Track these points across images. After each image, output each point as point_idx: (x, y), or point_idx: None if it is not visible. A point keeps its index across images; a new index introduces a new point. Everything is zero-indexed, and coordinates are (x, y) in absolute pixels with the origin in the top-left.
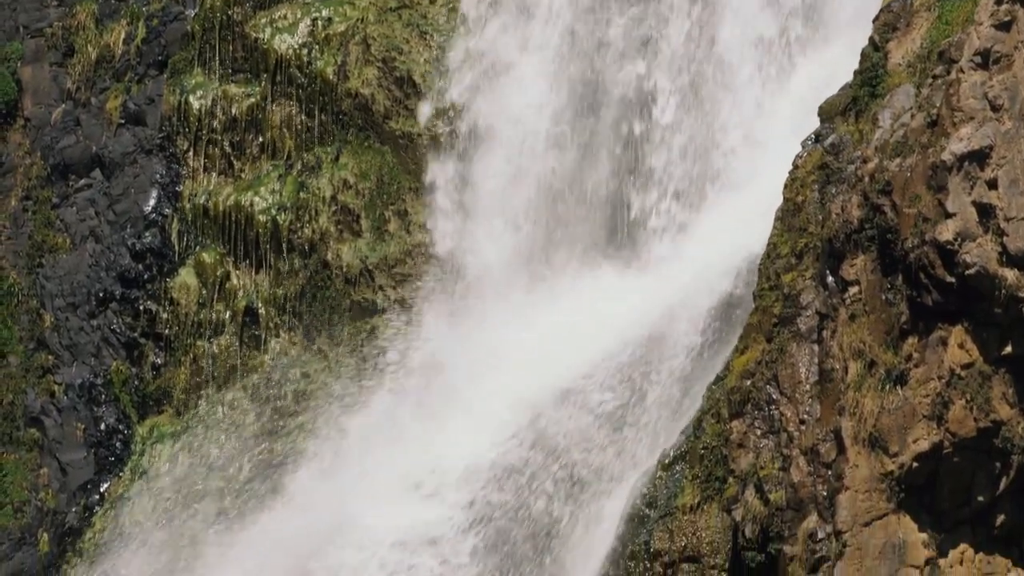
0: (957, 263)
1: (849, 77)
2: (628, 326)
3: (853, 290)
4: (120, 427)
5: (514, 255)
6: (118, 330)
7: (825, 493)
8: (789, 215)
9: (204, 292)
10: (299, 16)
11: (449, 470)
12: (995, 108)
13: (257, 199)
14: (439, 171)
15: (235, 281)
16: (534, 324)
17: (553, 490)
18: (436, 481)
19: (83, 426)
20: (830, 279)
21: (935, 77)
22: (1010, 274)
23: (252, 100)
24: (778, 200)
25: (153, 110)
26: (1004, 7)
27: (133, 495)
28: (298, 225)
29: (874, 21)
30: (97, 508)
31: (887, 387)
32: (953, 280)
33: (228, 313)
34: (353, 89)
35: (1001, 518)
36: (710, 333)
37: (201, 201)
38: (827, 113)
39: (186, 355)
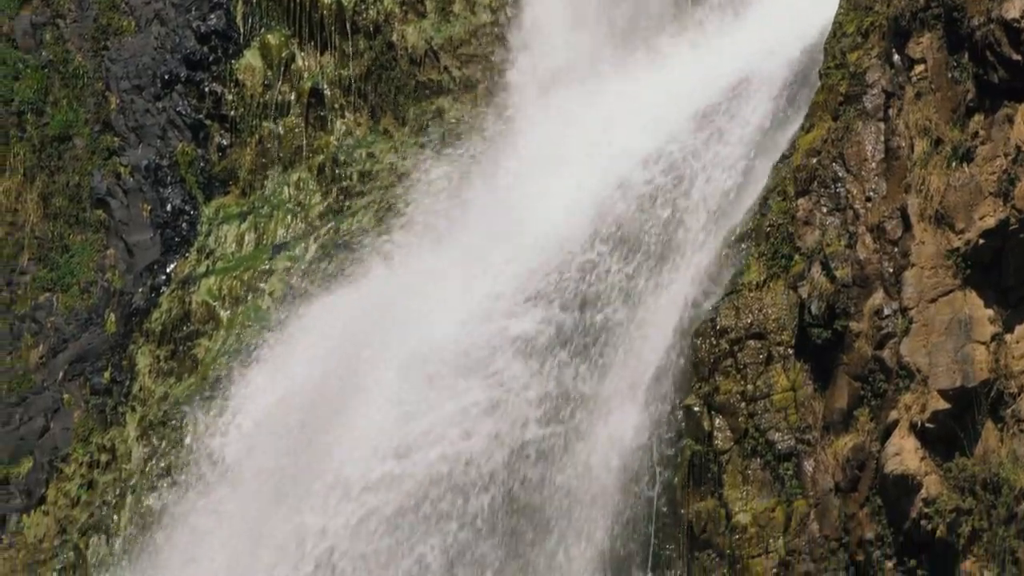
0: (1023, 41)
1: None
2: (693, 103)
3: (919, 68)
4: (186, 208)
5: (577, 31)
6: (183, 112)
7: (891, 270)
8: None
9: (269, 74)
10: None
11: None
12: None
13: None
14: None
15: (300, 63)
16: (599, 102)
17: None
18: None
19: (149, 207)
20: (896, 57)
21: None
22: None
23: None
24: None
25: None
26: None
27: (199, 275)
28: (363, 7)
29: None
30: (163, 288)
31: (953, 164)
32: (1019, 58)
33: (293, 94)
34: None
35: None
36: (775, 110)
37: None
38: None
39: (252, 136)
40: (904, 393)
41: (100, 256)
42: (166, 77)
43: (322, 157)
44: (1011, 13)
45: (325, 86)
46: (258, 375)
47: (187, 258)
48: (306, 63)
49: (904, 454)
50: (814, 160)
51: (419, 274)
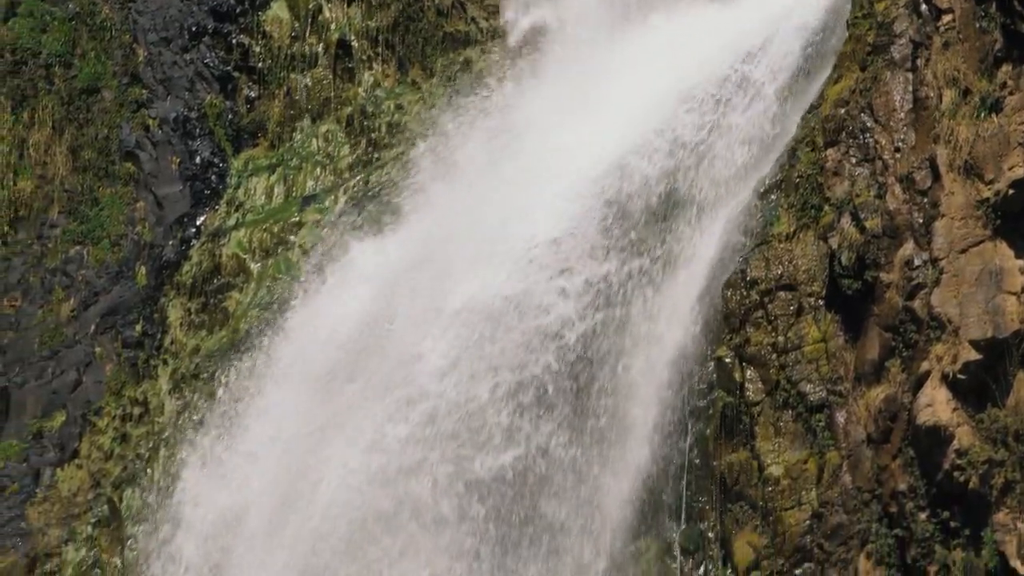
0: None
1: None
2: (723, 58)
3: (947, 18)
4: (215, 160)
5: None
6: (211, 64)
7: (921, 220)
8: None
9: (296, 25)
10: None
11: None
12: None
13: None
14: None
15: (327, 14)
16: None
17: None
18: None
19: (178, 159)
20: (923, 7)
21: None
22: None
23: None
24: None
25: None
26: None
27: (229, 228)
28: None
29: None
30: (194, 241)
31: (982, 115)
32: None
33: (321, 46)
34: None
35: None
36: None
37: None
38: None
39: (279, 88)
40: (935, 344)
41: (130, 209)
42: (193, 29)
43: (350, 109)
44: None
45: (352, 37)
46: (293, 324)
47: (217, 211)
48: (333, 14)
49: (936, 405)
50: (842, 110)
51: (453, 221)
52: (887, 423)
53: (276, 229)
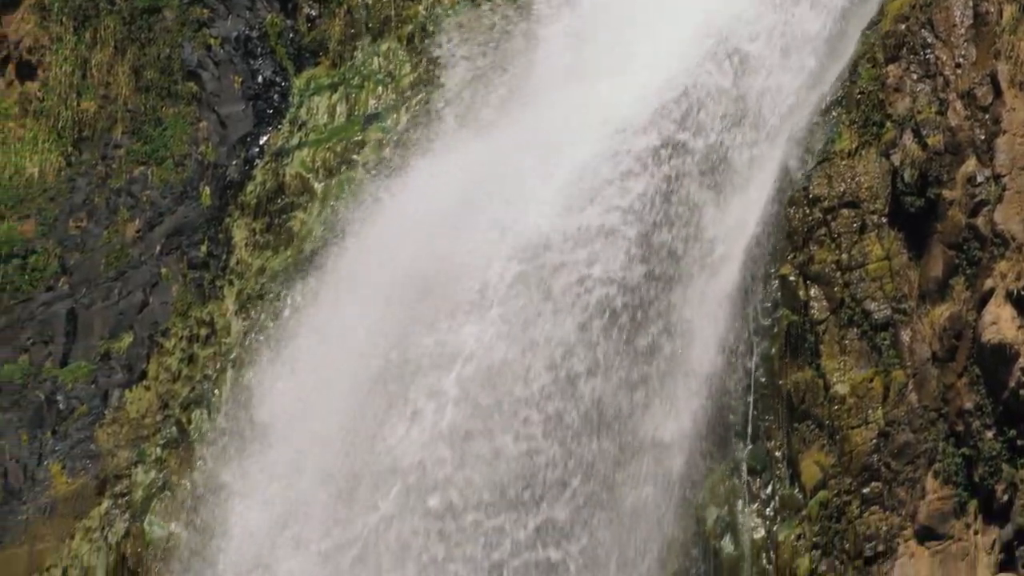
0: None
1: None
2: None
3: None
4: (277, 79)
5: None
6: None
7: (983, 137)
8: None
9: None
10: None
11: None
12: None
13: None
14: None
15: None
16: None
17: None
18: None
19: (240, 79)
20: None
21: None
22: None
23: None
24: None
25: None
26: None
27: (292, 147)
28: None
29: None
30: (257, 161)
31: None
32: None
33: None
34: None
35: None
36: None
37: None
38: None
39: (340, 6)
40: (999, 261)
41: (193, 129)
42: None
43: (411, 27)
44: None
45: None
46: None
47: (279, 130)
48: None
49: (1001, 323)
50: (903, 26)
51: (515, 141)
52: (952, 341)
53: (339, 148)
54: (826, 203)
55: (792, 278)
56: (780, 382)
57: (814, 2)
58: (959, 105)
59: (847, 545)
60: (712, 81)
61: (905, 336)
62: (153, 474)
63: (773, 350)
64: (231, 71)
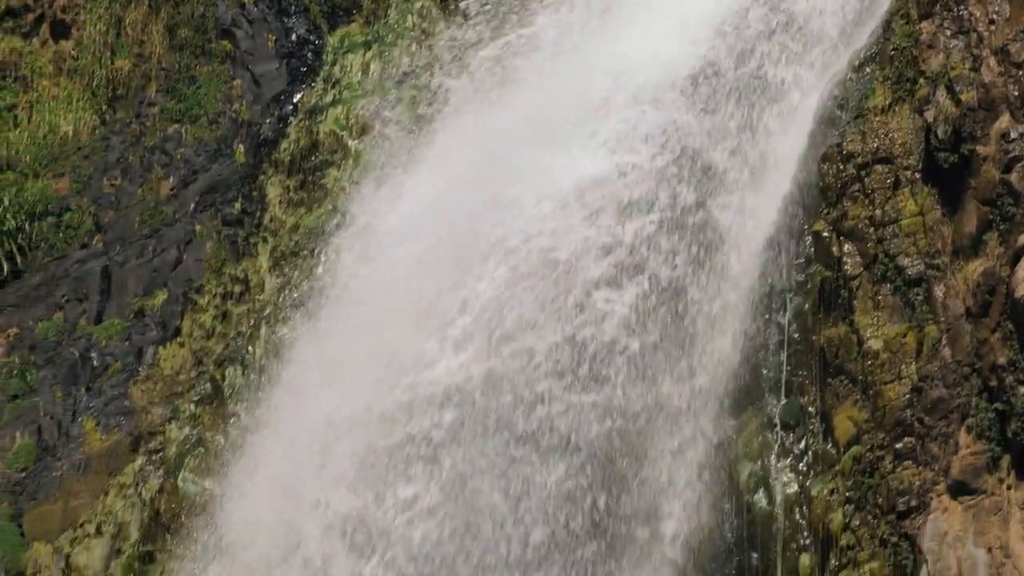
0: None
1: None
2: None
3: None
4: (311, 37)
5: None
6: None
7: (1016, 93)
8: None
9: None
10: None
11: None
12: None
13: None
14: None
15: None
16: None
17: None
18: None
19: (274, 37)
20: None
21: None
22: None
23: None
24: None
25: None
26: None
27: (326, 105)
28: None
29: None
30: (291, 118)
31: None
32: None
33: None
34: None
35: None
36: None
37: None
38: None
39: None
40: None
41: (227, 87)
42: None
43: None
44: None
45: None
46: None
47: (313, 88)
48: None
49: None
50: None
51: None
52: (985, 297)
53: (373, 106)
54: (860, 159)
55: (826, 234)
56: (813, 338)
57: None
58: (993, 61)
59: (880, 500)
60: None
61: (938, 291)
62: (187, 430)
63: (806, 306)
64: (265, 29)
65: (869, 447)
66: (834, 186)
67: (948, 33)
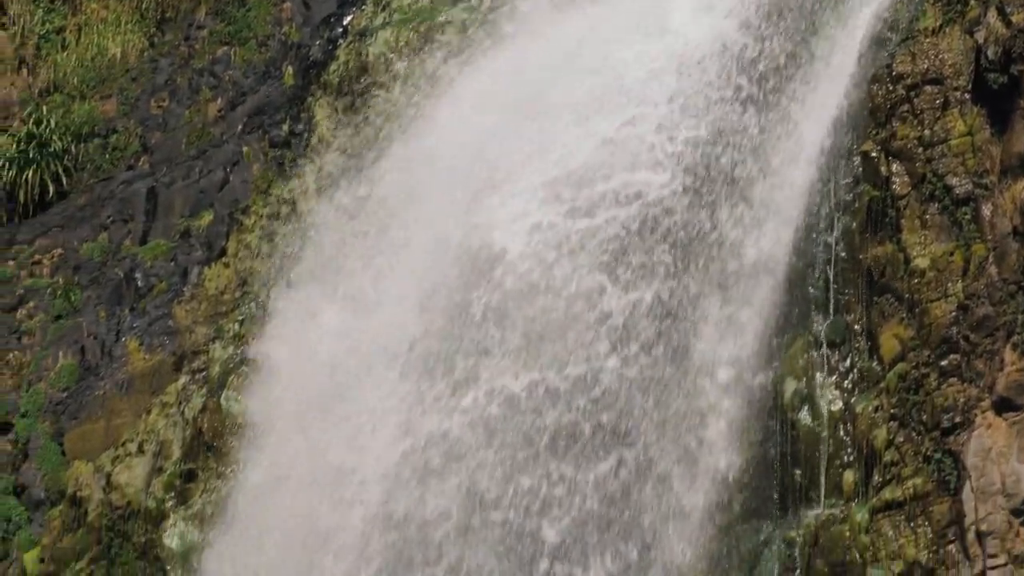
0: None
1: None
2: None
3: None
4: None
5: None
6: None
7: None
8: None
9: None
10: None
11: None
12: None
13: None
14: None
15: None
16: None
17: None
18: None
19: None
20: None
21: None
22: None
23: None
24: None
25: None
26: None
27: (376, 28)
28: None
29: None
30: (340, 41)
31: None
32: None
33: None
34: None
35: None
36: None
37: None
38: None
39: None
40: None
41: (276, 10)
42: None
43: None
44: None
45: None
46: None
47: (363, 10)
48: None
49: None
50: None
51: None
52: None
53: (423, 28)
54: (909, 80)
55: (874, 154)
56: (860, 256)
57: None
58: None
59: (924, 417)
60: None
61: (986, 210)
62: (231, 350)
63: (854, 225)
64: None
65: (914, 364)
66: (883, 107)
67: None
